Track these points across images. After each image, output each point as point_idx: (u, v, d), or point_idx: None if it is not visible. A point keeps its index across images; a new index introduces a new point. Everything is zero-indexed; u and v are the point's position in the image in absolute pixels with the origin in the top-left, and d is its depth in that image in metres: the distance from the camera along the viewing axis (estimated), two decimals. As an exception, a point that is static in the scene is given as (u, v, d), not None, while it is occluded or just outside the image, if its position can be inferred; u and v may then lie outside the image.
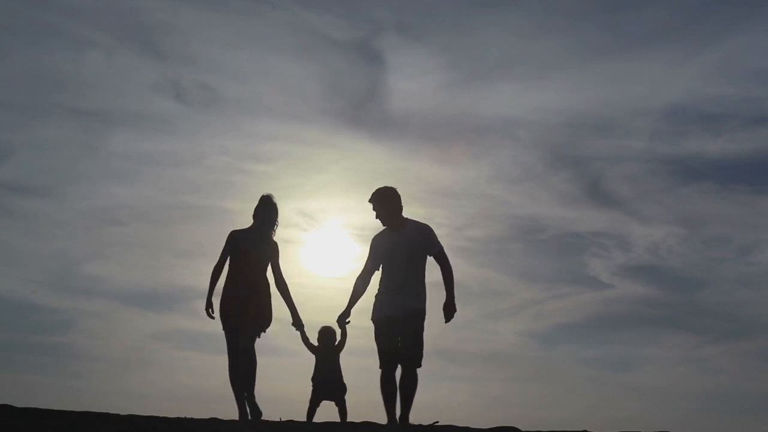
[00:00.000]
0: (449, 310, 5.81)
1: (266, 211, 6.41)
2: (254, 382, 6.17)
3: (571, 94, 16.51)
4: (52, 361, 15.15)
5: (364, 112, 16.34)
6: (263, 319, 6.28)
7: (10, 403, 4.87)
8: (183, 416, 5.21)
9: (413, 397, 5.68)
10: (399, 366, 5.74)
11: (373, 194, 6.00)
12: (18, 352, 14.96)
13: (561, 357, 16.46)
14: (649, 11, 15.75)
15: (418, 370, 5.69)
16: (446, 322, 5.82)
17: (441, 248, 5.95)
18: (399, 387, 5.69)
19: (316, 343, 6.50)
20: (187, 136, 15.93)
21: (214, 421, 5.16)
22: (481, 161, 16.63)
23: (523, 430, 5.07)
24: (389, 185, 6.00)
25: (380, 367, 5.76)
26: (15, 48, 14.92)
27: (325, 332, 6.53)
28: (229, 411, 5.84)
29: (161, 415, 5.13)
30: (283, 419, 5.78)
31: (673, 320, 16.72)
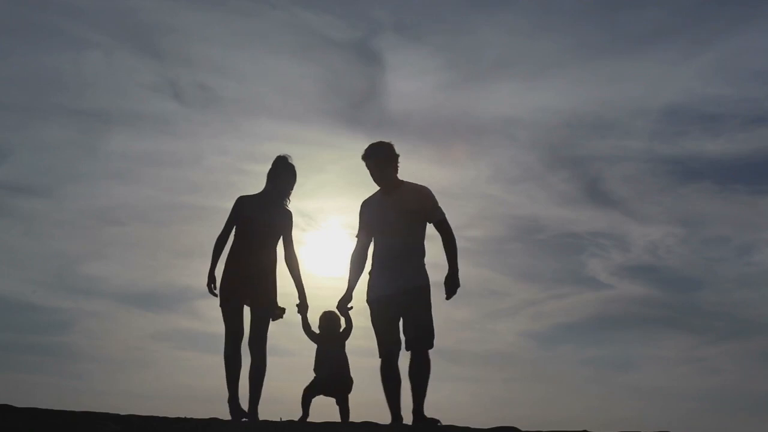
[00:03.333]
0: (452, 284, 5.24)
1: (283, 173, 5.81)
2: (260, 391, 5.63)
3: (570, 94, 16.53)
4: (52, 361, 15.17)
5: (362, 112, 16.35)
6: (269, 302, 5.71)
7: (10, 403, 4.87)
8: (183, 416, 5.20)
9: (426, 385, 5.23)
10: (407, 353, 5.24)
11: (365, 150, 5.46)
12: (18, 352, 14.97)
13: (560, 357, 16.48)
14: (648, 11, 15.77)
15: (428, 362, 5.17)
16: (447, 298, 5.26)
17: (443, 215, 5.37)
18: (409, 375, 5.24)
19: (317, 330, 5.95)
20: (186, 137, 15.95)
21: (214, 421, 5.14)
22: (480, 161, 16.64)
23: (523, 430, 5.05)
24: (384, 140, 5.48)
25: (380, 356, 5.31)
26: (15, 48, 14.94)
27: (328, 317, 5.94)
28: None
29: (161, 415, 5.12)
30: (283, 419, 5.76)
31: (672, 320, 16.75)
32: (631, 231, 17.15)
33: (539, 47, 16.21)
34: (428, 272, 5.42)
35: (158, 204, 16.00)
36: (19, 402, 4.93)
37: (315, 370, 6.00)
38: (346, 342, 5.97)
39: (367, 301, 5.44)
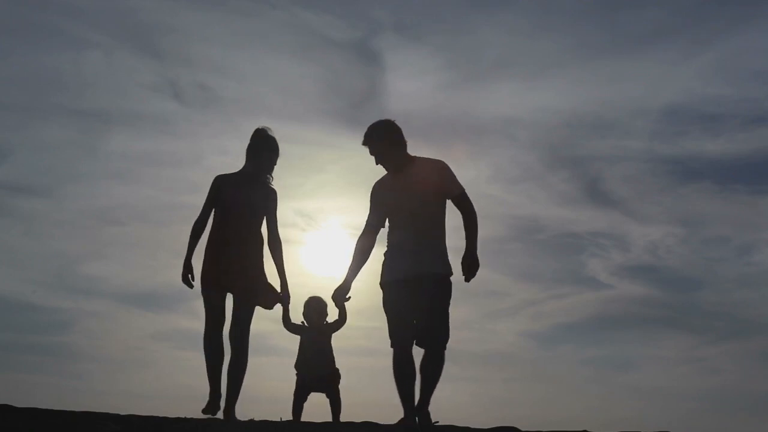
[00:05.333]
0: (470, 265, 4.80)
1: (264, 147, 5.32)
2: (239, 388, 5.21)
3: (570, 94, 16.51)
4: (52, 361, 15.17)
5: (362, 112, 16.30)
6: (255, 291, 5.23)
7: (10, 403, 4.86)
8: (183, 416, 5.20)
9: (436, 382, 4.86)
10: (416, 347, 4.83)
11: (366, 132, 4.94)
12: (18, 352, 14.95)
13: (560, 357, 16.47)
14: (648, 11, 15.75)
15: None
16: (466, 280, 4.81)
17: (462, 189, 4.89)
18: (420, 368, 4.83)
19: (299, 321, 5.53)
20: (186, 136, 15.93)
21: (214, 421, 5.14)
22: (480, 161, 16.59)
23: (523, 430, 5.05)
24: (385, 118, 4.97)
25: (392, 346, 4.83)
26: (15, 48, 14.92)
27: (314, 304, 5.50)
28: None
29: (161, 415, 5.11)
30: (283, 419, 5.75)
31: (672, 320, 16.74)
32: (631, 231, 17.16)
33: (539, 47, 16.21)
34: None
35: (158, 204, 16.00)
36: (19, 402, 4.92)
37: (297, 366, 5.66)
38: (342, 326, 5.57)
39: (381, 284, 4.97)
